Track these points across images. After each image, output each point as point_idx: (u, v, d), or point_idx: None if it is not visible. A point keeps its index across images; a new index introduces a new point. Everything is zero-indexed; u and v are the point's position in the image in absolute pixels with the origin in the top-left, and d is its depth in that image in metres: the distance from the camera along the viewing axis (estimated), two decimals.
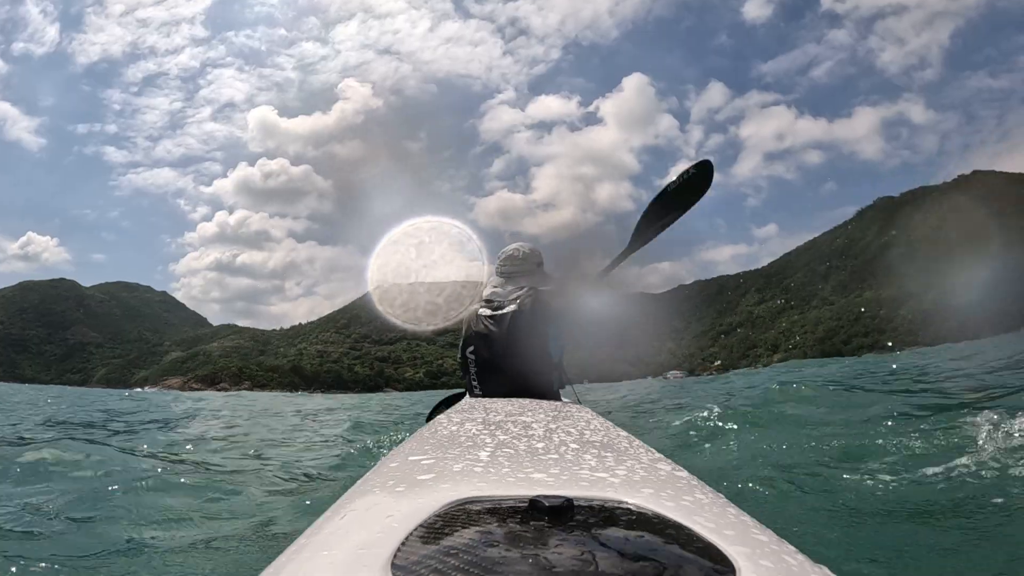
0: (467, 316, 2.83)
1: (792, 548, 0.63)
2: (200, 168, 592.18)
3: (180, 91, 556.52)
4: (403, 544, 0.56)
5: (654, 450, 1.15)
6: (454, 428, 1.30)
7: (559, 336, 2.73)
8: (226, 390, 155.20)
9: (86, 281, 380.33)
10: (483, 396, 2.68)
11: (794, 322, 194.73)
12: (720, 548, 0.57)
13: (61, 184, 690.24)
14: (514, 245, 2.93)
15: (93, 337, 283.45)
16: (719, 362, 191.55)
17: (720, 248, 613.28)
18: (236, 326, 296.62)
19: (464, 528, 0.60)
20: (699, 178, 2.83)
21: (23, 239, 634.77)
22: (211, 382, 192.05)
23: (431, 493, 0.72)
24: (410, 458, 0.96)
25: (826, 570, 0.57)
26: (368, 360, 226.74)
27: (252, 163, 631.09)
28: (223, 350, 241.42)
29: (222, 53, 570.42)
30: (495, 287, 2.84)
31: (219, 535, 3.07)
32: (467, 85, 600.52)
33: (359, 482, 0.89)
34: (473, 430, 1.26)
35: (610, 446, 1.12)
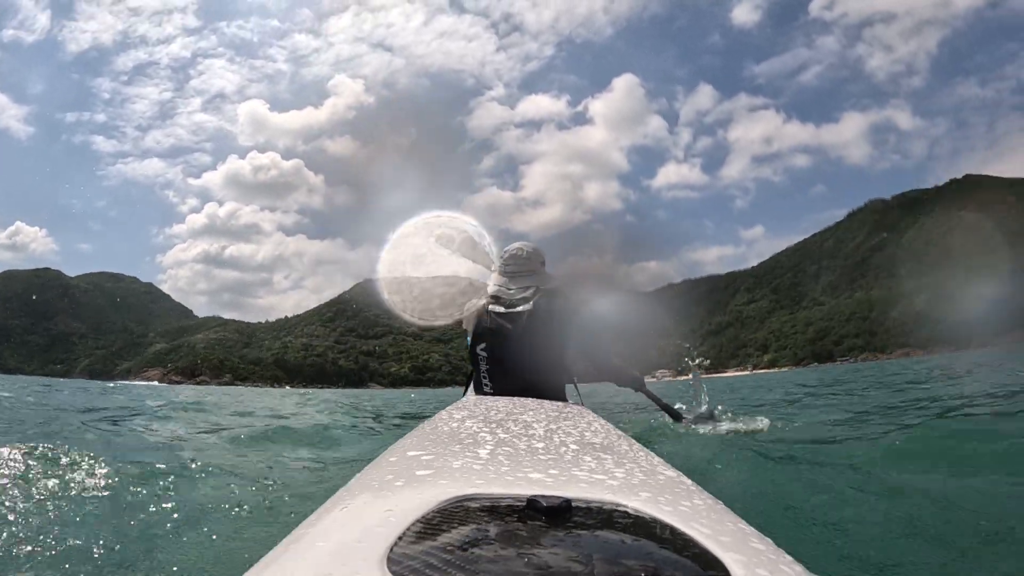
0: (473, 311, 2.83)
1: (789, 558, 0.62)
2: (189, 159, 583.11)
3: (170, 81, 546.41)
4: (400, 539, 0.56)
5: (654, 454, 1.14)
6: (455, 425, 1.29)
7: (569, 338, 2.75)
8: (206, 383, 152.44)
9: (72, 271, 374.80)
10: (493, 393, 2.67)
11: (784, 322, 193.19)
12: (716, 555, 0.57)
13: (49, 173, 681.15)
14: (517, 244, 2.91)
15: (77, 327, 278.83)
16: (708, 361, 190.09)
17: (707, 249, 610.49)
18: (221, 318, 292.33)
19: (461, 525, 0.60)
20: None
21: (11, 229, 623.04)
22: (190, 374, 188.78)
23: (430, 489, 0.71)
24: (409, 453, 0.96)
25: None
26: (353, 354, 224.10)
27: (242, 156, 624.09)
28: (207, 342, 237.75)
29: (214, 43, 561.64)
30: (499, 285, 2.83)
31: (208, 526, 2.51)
32: (460, 80, 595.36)
33: (358, 476, 0.88)
34: (474, 427, 1.25)
35: (610, 448, 1.12)
